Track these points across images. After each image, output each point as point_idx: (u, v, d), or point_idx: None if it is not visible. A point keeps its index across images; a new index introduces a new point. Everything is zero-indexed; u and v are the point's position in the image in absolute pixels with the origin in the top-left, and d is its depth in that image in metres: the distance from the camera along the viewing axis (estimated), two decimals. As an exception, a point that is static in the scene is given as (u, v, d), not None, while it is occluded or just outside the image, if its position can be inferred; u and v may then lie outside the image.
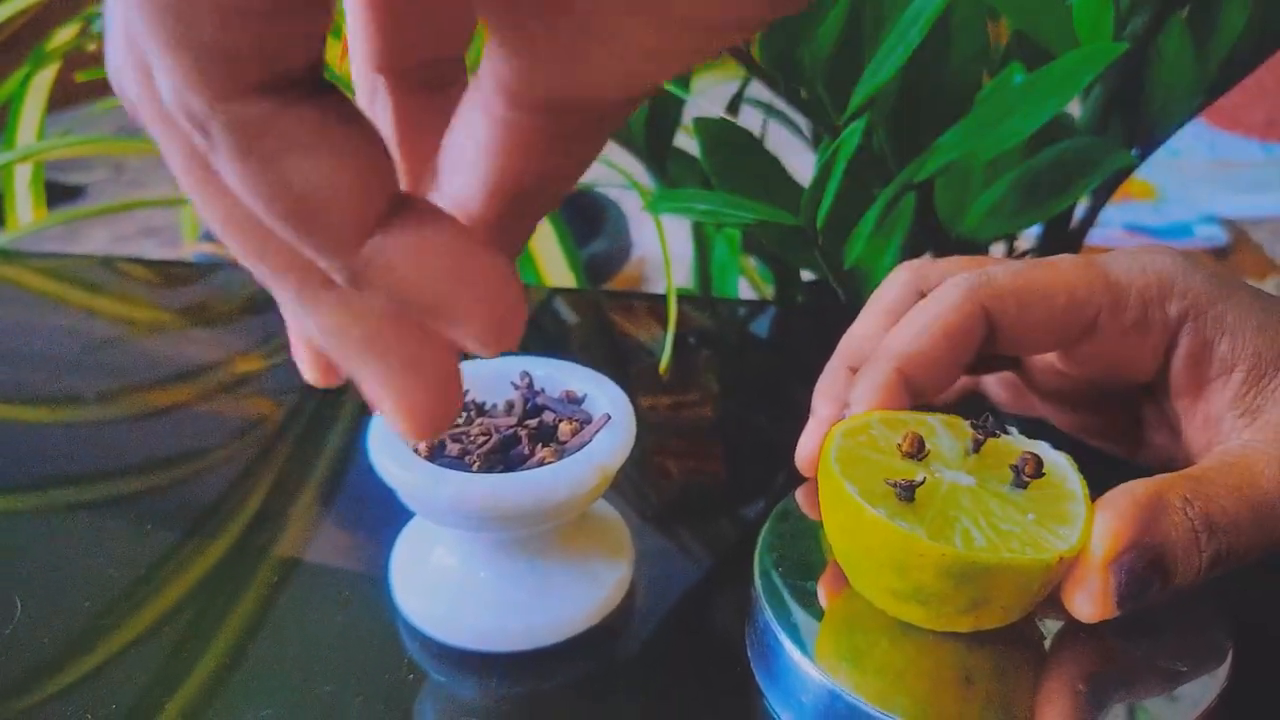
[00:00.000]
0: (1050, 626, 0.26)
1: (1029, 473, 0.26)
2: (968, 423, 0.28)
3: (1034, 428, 0.35)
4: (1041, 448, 0.27)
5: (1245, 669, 0.25)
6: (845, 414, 0.29)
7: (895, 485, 0.25)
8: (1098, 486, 0.26)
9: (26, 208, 0.77)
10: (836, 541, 0.27)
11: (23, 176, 0.77)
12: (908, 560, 0.24)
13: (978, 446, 0.27)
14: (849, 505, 0.25)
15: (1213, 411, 0.29)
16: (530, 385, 0.32)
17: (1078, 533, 0.24)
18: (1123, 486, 0.25)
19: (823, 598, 0.27)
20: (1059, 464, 0.27)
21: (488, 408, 0.32)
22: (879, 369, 0.29)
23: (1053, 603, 0.25)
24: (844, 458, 0.26)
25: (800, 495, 0.31)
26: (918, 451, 0.27)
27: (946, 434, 0.28)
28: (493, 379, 0.32)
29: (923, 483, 0.25)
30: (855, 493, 0.25)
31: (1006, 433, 0.28)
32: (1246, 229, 1.83)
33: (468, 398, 0.32)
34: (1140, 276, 0.29)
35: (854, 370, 0.32)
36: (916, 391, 0.29)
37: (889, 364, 0.29)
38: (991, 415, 0.28)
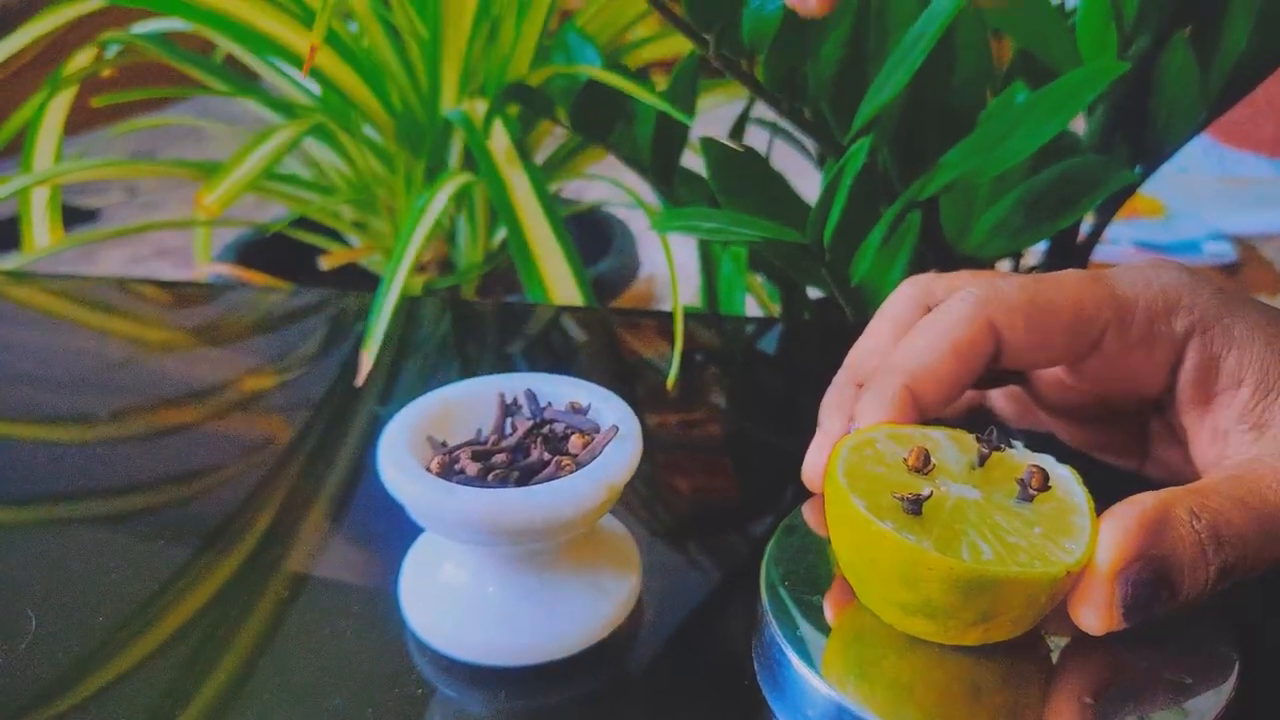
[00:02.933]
0: (1057, 640, 0.26)
1: (1035, 486, 0.26)
2: (973, 437, 0.28)
3: (1040, 443, 0.35)
4: (1047, 461, 0.28)
5: (1251, 681, 0.25)
6: (851, 428, 0.29)
7: (902, 499, 0.25)
8: (1104, 500, 0.26)
9: (44, 230, 0.78)
10: (843, 556, 0.27)
11: (40, 199, 0.78)
12: (916, 574, 0.24)
13: (983, 460, 0.27)
14: (856, 519, 0.25)
15: (1220, 425, 0.29)
16: (535, 401, 0.32)
17: (1083, 546, 0.25)
18: (1129, 500, 0.25)
19: (829, 611, 0.27)
20: (1064, 478, 0.27)
21: (496, 430, 0.32)
22: (886, 384, 0.29)
23: (1059, 616, 0.25)
24: (850, 472, 0.27)
25: (807, 510, 0.31)
26: (924, 466, 0.27)
27: (952, 448, 0.28)
28: (492, 402, 0.32)
29: (929, 496, 0.25)
30: (863, 507, 0.25)
31: (1011, 446, 0.28)
32: (1256, 245, 1.82)
33: (478, 424, 0.32)
34: (1146, 291, 0.29)
35: (861, 385, 0.32)
36: (923, 407, 0.29)
37: (896, 379, 0.29)
38: (996, 429, 0.28)
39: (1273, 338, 0.29)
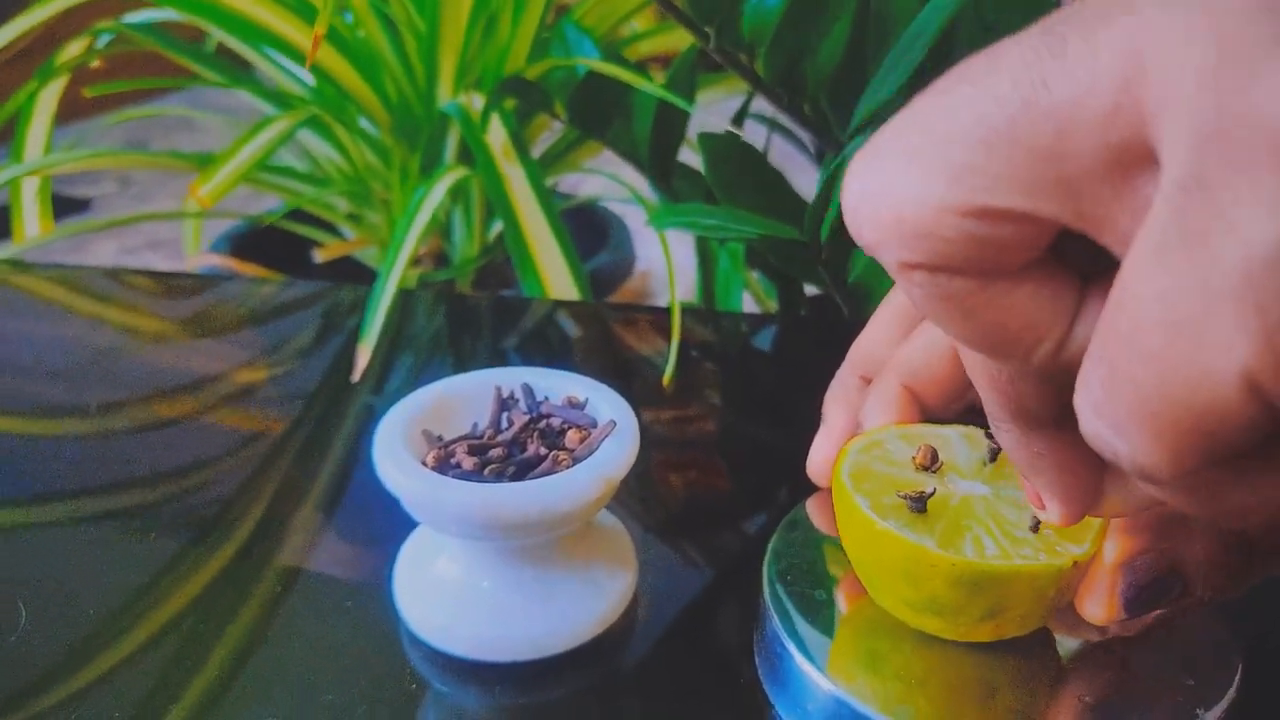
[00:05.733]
0: (1061, 640, 0.26)
1: None
2: (983, 432, 0.28)
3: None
4: None
5: (1253, 683, 0.25)
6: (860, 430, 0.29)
7: (906, 497, 0.25)
8: None
9: (33, 221, 0.77)
10: (852, 555, 0.27)
11: (30, 189, 0.77)
12: (919, 571, 0.24)
13: (994, 456, 0.27)
14: (861, 520, 0.25)
15: None
16: (532, 395, 0.32)
17: (1092, 537, 0.24)
18: None
19: (831, 607, 0.27)
20: None
21: (492, 424, 0.32)
22: (888, 386, 0.29)
23: (1066, 614, 0.25)
24: (856, 473, 0.27)
25: (810, 505, 0.31)
26: (931, 463, 0.27)
27: (964, 445, 0.28)
28: (489, 396, 0.32)
29: (933, 494, 0.25)
30: (866, 506, 0.25)
31: None
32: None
33: (473, 418, 0.32)
34: None
35: (864, 378, 0.32)
36: (927, 407, 0.29)
37: (897, 381, 0.29)
38: None
39: None
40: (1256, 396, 0.13)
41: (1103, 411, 0.15)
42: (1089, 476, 0.21)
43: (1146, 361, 0.13)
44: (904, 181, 0.16)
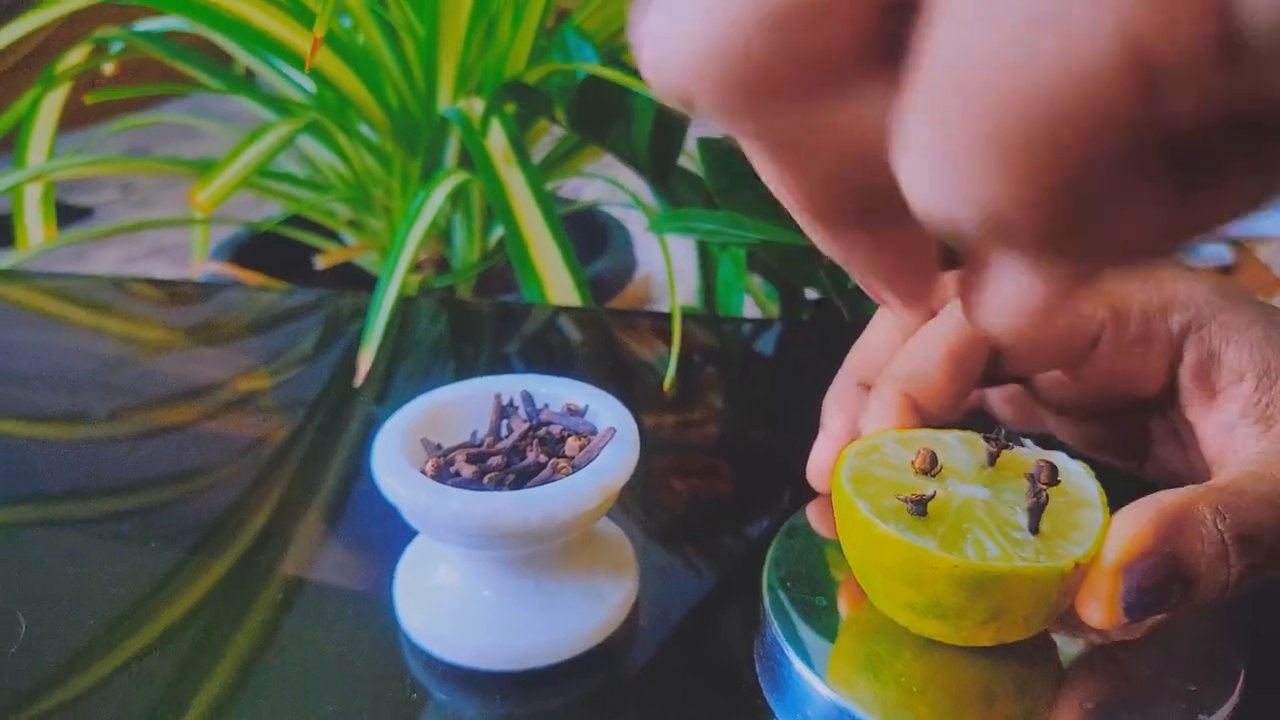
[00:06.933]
0: (1062, 645, 0.26)
1: (1044, 480, 0.26)
2: (982, 436, 0.28)
3: (1042, 443, 0.35)
4: (1058, 457, 0.27)
5: (1256, 690, 0.25)
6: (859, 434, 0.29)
7: (906, 500, 0.25)
8: (1117, 499, 0.26)
9: (37, 228, 0.77)
10: (853, 560, 0.27)
11: (33, 196, 0.77)
12: (920, 574, 0.24)
13: (993, 459, 0.27)
14: (861, 523, 0.25)
15: (1225, 420, 0.29)
16: (531, 403, 0.32)
17: (1093, 538, 0.24)
18: (1151, 496, 0.25)
19: (831, 614, 0.27)
20: (1076, 472, 0.27)
21: (492, 432, 0.32)
22: (886, 392, 0.29)
23: (1068, 619, 0.25)
24: (856, 477, 0.26)
25: (810, 511, 0.31)
26: (931, 467, 0.27)
27: (963, 449, 0.28)
28: (488, 404, 0.32)
29: (933, 497, 0.25)
30: (866, 509, 0.25)
31: (1021, 444, 0.28)
32: (1252, 247, 1.82)
33: (473, 426, 0.32)
34: (1140, 291, 0.29)
35: (864, 383, 0.32)
36: (925, 414, 0.29)
37: (895, 387, 0.29)
38: (1006, 429, 0.28)
39: (1270, 330, 0.28)
40: (1139, 71, 0.10)
41: (935, 163, 0.12)
42: (918, 259, 0.18)
43: (987, 69, 0.11)
44: (702, 6, 0.13)
